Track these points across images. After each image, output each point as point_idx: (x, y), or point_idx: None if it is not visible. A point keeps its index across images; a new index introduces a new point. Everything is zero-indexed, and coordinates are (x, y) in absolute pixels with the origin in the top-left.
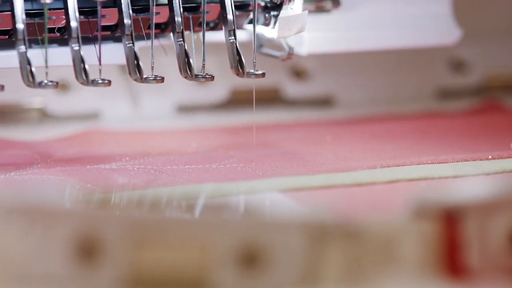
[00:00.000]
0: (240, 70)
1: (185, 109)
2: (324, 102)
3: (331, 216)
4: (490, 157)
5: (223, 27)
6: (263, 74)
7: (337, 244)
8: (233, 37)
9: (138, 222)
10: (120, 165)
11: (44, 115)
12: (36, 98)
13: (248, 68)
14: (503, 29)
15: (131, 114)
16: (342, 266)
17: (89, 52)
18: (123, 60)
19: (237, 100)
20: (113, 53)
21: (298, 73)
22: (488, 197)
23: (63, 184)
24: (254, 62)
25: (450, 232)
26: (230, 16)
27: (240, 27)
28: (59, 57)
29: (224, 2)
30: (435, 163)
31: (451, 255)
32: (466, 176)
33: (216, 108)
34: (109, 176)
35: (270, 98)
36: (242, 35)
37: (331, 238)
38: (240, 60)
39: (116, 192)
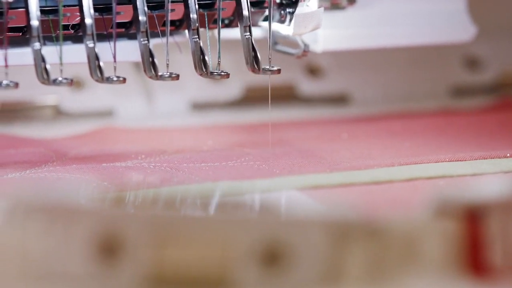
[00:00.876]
0: (256, 66)
1: (200, 106)
2: (339, 99)
3: (352, 214)
4: (508, 155)
5: (239, 23)
6: (278, 70)
7: (359, 242)
8: (248, 33)
9: (159, 221)
10: (136, 163)
11: (58, 113)
12: (50, 96)
13: (264, 65)
14: None
15: (145, 112)
16: (364, 265)
17: (103, 49)
18: (138, 58)
19: (252, 98)
20: (128, 50)
21: (313, 71)
22: (509, 195)
23: (80, 182)
24: (269, 58)
25: (473, 230)
26: (245, 12)
27: (256, 24)
28: (74, 54)
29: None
30: (453, 161)
31: (473, 254)
32: (484, 174)
33: (231, 106)
34: (126, 174)
35: (285, 95)
36: (257, 32)
37: (353, 236)
38: (256, 57)
39: (133, 190)
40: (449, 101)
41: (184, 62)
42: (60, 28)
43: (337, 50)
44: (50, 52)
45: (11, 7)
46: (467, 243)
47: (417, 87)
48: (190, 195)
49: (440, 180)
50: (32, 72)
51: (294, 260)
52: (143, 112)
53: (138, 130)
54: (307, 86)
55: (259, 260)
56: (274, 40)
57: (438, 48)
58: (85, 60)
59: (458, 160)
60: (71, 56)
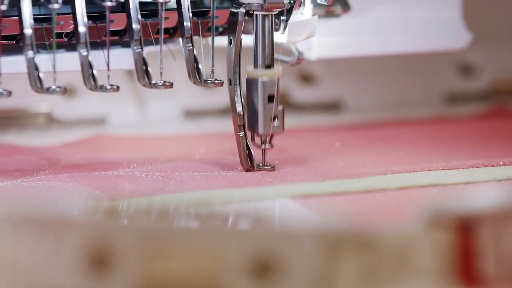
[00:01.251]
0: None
1: (192, 114)
2: (332, 107)
3: (344, 224)
4: (501, 163)
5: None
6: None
7: (351, 253)
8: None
9: (150, 232)
10: (128, 172)
11: (51, 121)
12: (43, 104)
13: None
14: (510, 34)
15: (138, 119)
16: (356, 275)
17: (97, 57)
18: (131, 66)
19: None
20: (122, 58)
21: (306, 78)
22: (502, 204)
23: (71, 192)
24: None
25: (465, 241)
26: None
27: (249, 32)
28: (67, 62)
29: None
30: (446, 169)
31: (466, 265)
32: (477, 182)
33: (224, 113)
34: (118, 183)
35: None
36: (250, 40)
37: (345, 247)
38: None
39: (125, 200)
40: (443, 109)
41: (176, 70)
42: (54, 36)
43: (330, 58)
44: (43, 60)
45: (4, 15)
46: (460, 254)
47: (411, 95)
48: (182, 205)
49: (433, 188)
50: (24, 80)
51: (286, 271)
52: (135, 120)
53: (130, 138)
54: (300, 93)
55: (250, 271)
56: None
57: (432, 56)
58: (79, 68)
59: (451, 168)
60: (64, 64)
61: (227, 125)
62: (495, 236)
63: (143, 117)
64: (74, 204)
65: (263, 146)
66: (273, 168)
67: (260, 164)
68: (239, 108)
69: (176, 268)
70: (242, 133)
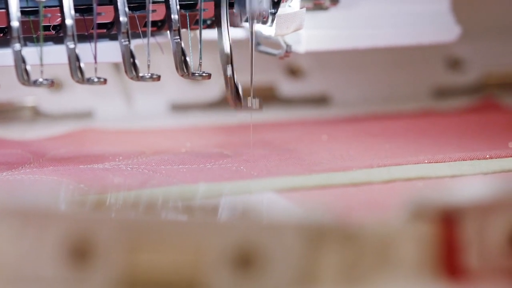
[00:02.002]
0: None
1: (179, 107)
2: (320, 100)
3: (327, 217)
4: (488, 156)
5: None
6: (209, 76)
7: (334, 246)
8: (178, 37)
9: (132, 224)
10: (114, 165)
11: (37, 114)
12: (29, 97)
13: (246, 67)
14: (500, 27)
15: (124, 113)
16: (339, 268)
17: (84, 50)
18: (119, 58)
19: None
20: (109, 51)
21: (294, 71)
22: (487, 198)
23: (55, 185)
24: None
25: (448, 233)
26: (175, 16)
27: (238, 26)
28: (55, 55)
29: (220, 5)
30: (432, 162)
31: (449, 257)
32: (463, 175)
33: (211, 107)
34: (103, 176)
35: (266, 96)
36: (239, 33)
37: (327, 240)
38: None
39: (109, 192)
40: (431, 102)
41: (163, 63)
42: (41, 29)
43: (318, 51)
44: (30, 52)
45: None
46: (443, 246)
47: (399, 88)
48: (168, 198)
49: (419, 181)
50: (10, 73)
51: (268, 263)
52: (122, 114)
53: (116, 132)
54: (287, 87)
55: (232, 264)
56: (257, 41)
57: (420, 49)
58: (66, 61)
59: (437, 162)
60: (52, 57)
61: (214, 118)
62: (479, 229)
63: (129, 111)
64: (56, 197)
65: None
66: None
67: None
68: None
69: (157, 260)
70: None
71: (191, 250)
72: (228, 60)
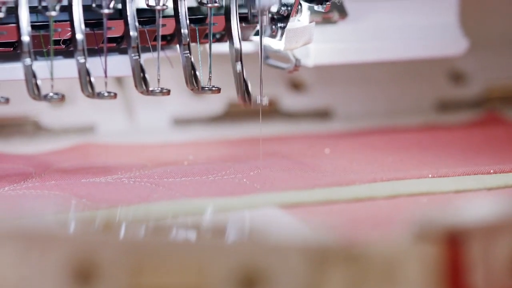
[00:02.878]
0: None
1: (182, 122)
2: (322, 114)
3: (331, 236)
4: (492, 171)
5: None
6: (218, 90)
7: (338, 267)
8: (187, 52)
9: (135, 246)
10: (116, 178)
11: (38, 128)
12: (31, 111)
13: (255, 77)
14: (503, 41)
15: (127, 128)
16: None
17: (94, 64)
18: (128, 72)
19: (235, 113)
20: (119, 65)
21: (296, 85)
22: (492, 217)
23: (58, 201)
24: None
25: (454, 254)
26: (185, 30)
27: (247, 39)
28: (65, 69)
29: (230, 14)
30: (435, 177)
31: (454, 278)
32: (467, 191)
33: (214, 121)
34: (105, 191)
35: (268, 110)
36: (248, 47)
37: (332, 260)
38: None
39: (112, 208)
40: (434, 116)
41: (166, 77)
42: (51, 43)
43: (325, 65)
44: (40, 67)
45: (2, 22)
46: (448, 267)
47: (402, 102)
48: (168, 214)
49: (423, 197)
50: (14, 87)
51: (272, 285)
52: (124, 128)
53: (119, 146)
54: (290, 101)
55: (236, 286)
56: (266, 54)
57: (423, 63)
58: (76, 75)
59: (441, 176)
60: (62, 71)
61: (216, 133)
62: (484, 249)
63: (132, 125)
64: (58, 216)
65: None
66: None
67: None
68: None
69: (160, 283)
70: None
71: (194, 271)
72: (237, 57)
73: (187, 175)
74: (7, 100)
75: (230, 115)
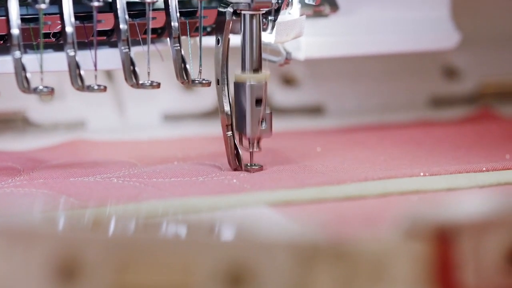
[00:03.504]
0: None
1: (172, 118)
2: (314, 110)
3: (320, 234)
4: (484, 168)
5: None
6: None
7: (326, 264)
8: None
9: (120, 243)
10: (105, 177)
11: (27, 124)
12: (19, 107)
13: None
14: (497, 36)
15: (117, 123)
16: (331, 287)
17: (84, 57)
18: (118, 65)
19: None
20: (109, 58)
21: (289, 81)
22: (483, 214)
23: (45, 199)
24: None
25: (444, 251)
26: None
27: (237, 32)
28: (55, 62)
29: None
30: (427, 175)
31: (444, 275)
32: (459, 189)
33: (204, 117)
34: (93, 190)
35: None
36: (238, 40)
37: (320, 258)
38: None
39: (99, 207)
40: (428, 112)
41: (157, 72)
42: (41, 36)
43: (317, 58)
44: (31, 60)
45: None
46: (438, 264)
47: (395, 98)
48: (155, 213)
49: (414, 195)
50: (4, 82)
51: (260, 283)
52: (114, 124)
53: (108, 143)
54: (282, 96)
55: (223, 284)
56: None
57: (416, 58)
58: (66, 68)
59: (433, 174)
60: (52, 64)
61: (207, 129)
62: (475, 246)
63: (121, 121)
64: (44, 214)
65: (251, 149)
66: (261, 167)
67: (248, 164)
68: (226, 108)
69: (145, 280)
70: (230, 133)
71: (180, 270)
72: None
73: (176, 176)
74: None
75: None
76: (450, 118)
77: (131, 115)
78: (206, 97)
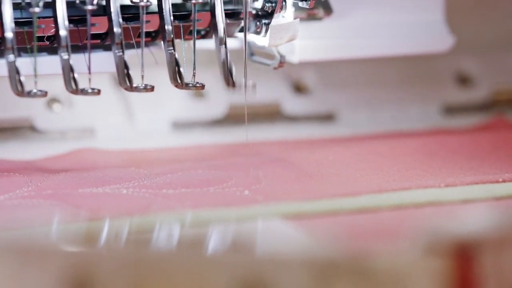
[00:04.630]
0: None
1: (181, 126)
2: (326, 118)
3: (337, 250)
4: (500, 179)
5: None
6: (202, 86)
7: (344, 280)
8: (171, 48)
9: (133, 260)
10: (114, 188)
11: (34, 133)
12: (26, 114)
13: (238, 77)
14: (510, 42)
15: (125, 132)
16: None
17: (79, 60)
18: (112, 69)
19: (235, 116)
20: (103, 61)
21: (299, 88)
22: (503, 227)
23: (54, 212)
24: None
25: (464, 267)
26: (169, 27)
27: (231, 35)
28: (49, 66)
29: (215, 10)
30: (443, 186)
31: None
32: (475, 200)
33: (213, 125)
34: (103, 202)
35: (271, 114)
36: (233, 43)
37: (338, 275)
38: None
39: (109, 221)
40: (440, 120)
41: (165, 80)
42: (35, 39)
43: (324, 67)
44: (24, 63)
45: None
46: (458, 281)
47: (407, 106)
48: (167, 227)
49: (430, 208)
50: (8, 89)
51: None
52: (123, 132)
53: (117, 152)
54: (292, 104)
55: None
56: (251, 51)
57: (429, 65)
58: (60, 71)
59: (448, 185)
60: (46, 67)
61: (217, 137)
62: (496, 261)
63: (130, 129)
64: (55, 230)
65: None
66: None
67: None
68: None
69: None
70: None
71: (196, 285)
72: (222, 41)
73: (187, 186)
74: None
75: (231, 118)
76: (464, 126)
77: (140, 123)
78: (216, 105)
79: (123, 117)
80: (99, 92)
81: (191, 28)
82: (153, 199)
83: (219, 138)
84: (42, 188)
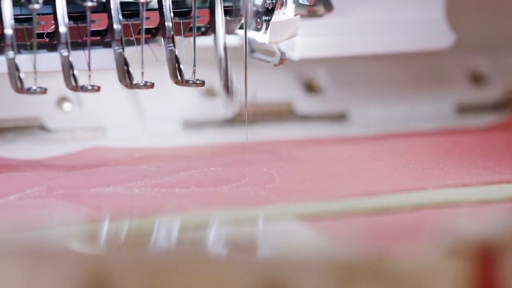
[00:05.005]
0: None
1: (192, 125)
2: (338, 117)
3: (356, 251)
4: None
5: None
6: (202, 83)
7: (363, 283)
8: (171, 45)
9: (149, 262)
10: (126, 188)
11: (45, 132)
12: (36, 113)
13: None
14: None
15: (136, 131)
16: None
17: (79, 57)
18: (112, 66)
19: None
20: (103, 58)
21: (312, 87)
22: None
23: (66, 213)
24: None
25: (487, 269)
26: (168, 23)
27: (232, 33)
28: (48, 62)
29: (214, 7)
30: (459, 186)
31: None
32: (493, 201)
33: (224, 124)
34: (115, 201)
35: (283, 113)
36: (233, 40)
37: (358, 277)
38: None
39: (123, 221)
40: (454, 119)
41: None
42: (34, 36)
43: (336, 66)
44: (24, 60)
45: None
46: (481, 284)
47: (420, 105)
48: (181, 225)
49: (448, 208)
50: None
51: None
52: (133, 131)
53: (128, 150)
54: (305, 103)
55: None
56: (251, 48)
57: (442, 64)
58: (60, 68)
59: (464, 185)
60: (45, 64)
61: (228, 135)
62: None
63: (141, 128)
64: (67, 230)
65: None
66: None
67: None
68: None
69: None
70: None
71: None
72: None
73: (200, 185)
74: None
75: (243, 117)
76: (478, 125)
77: (150, 122)
78: (227, 103)
79: (133, 116)
80: (99, 89)
81: (191, 25)
82: (166, 198)
83: (230, 137)
84: (53, 188)
